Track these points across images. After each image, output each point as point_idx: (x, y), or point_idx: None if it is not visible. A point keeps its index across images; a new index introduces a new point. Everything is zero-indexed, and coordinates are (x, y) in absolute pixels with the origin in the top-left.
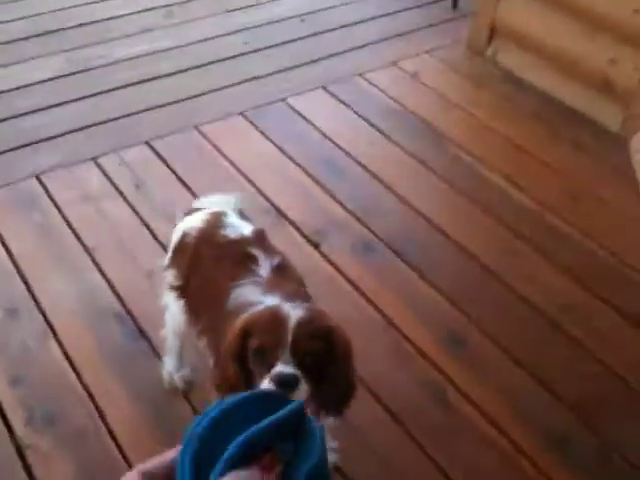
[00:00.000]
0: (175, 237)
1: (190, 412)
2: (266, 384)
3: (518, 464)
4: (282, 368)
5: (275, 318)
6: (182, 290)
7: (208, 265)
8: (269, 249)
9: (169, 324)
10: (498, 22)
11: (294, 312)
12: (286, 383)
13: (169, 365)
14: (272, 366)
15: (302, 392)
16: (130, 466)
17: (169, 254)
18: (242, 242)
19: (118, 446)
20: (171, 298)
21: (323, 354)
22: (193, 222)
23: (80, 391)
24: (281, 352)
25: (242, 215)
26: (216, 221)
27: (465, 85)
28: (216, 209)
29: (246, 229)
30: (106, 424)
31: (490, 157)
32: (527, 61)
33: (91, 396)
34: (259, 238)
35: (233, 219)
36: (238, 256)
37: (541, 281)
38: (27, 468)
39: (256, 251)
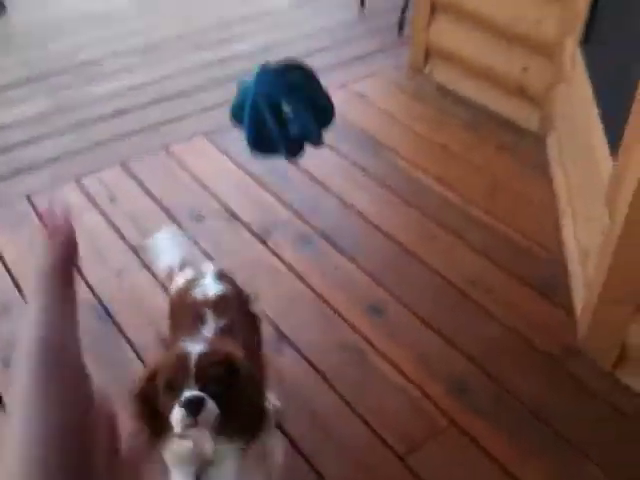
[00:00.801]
0: (170, 294)
1: None
2: (177, 410)
3: (425, 407)
4: (188, 393)
5: (179, 356)
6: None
7: (179, 321)
8: (225, 311)
9: None
10: (430, 43)
11: (196, 347)
12: (192, 404)
13: None
14: (181, 395)
15: (210, 413)
16: None
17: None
18: (202, 303)
19: None
20: None
21: (226, 379)
22: (178, 282)
23: None
24: (187, 382)
25: (221, 276)
26: (192, 282)
27: (407, 102)
28: (201, 271)
29: (212, 291)
30: None
31: (426, 163)
32: (457, 75)
33: None
34: (222, 300)
35: (208, 280)
36: (195, 316)
37: (455, 258)
38: None
39: (209, 312)
